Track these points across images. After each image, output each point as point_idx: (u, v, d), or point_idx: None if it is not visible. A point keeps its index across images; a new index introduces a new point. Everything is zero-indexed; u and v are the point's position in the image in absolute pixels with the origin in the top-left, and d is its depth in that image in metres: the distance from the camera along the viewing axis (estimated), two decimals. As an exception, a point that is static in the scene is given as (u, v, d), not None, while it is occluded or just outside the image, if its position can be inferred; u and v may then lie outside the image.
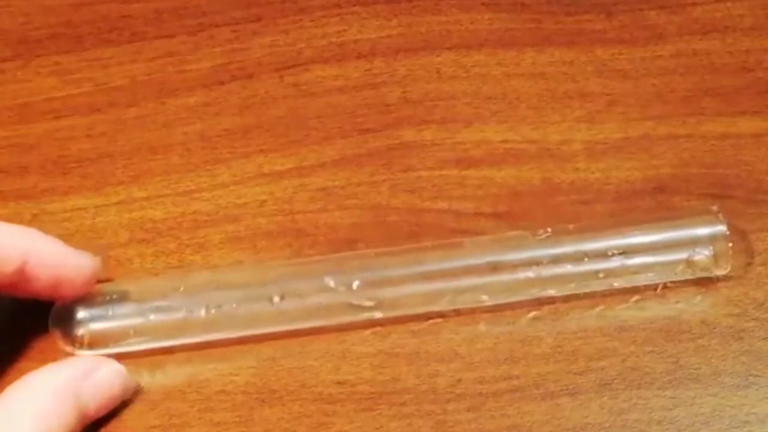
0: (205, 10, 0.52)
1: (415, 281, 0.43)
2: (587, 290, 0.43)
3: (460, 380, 0.42)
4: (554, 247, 0.43)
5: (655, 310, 0.43)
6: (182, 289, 0.42)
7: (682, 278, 0.43)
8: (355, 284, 0.42)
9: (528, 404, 0.41)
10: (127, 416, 0.42)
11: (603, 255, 0.43)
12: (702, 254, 0.42)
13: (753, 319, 0.43)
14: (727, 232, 0.42)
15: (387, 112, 0.49)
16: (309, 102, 0.50)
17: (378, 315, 0.43)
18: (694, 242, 0.43)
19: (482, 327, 0.43)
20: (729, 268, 0.43)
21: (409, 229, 0.46)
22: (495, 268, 0.43)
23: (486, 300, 0.43)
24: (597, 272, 0.43)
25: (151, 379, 0.42)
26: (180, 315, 0.42)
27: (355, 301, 0.42)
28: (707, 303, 0.43)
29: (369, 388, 0.42)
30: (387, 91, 0.50)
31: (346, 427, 0.41)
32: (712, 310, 0.43)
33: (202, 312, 0.42)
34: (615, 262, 0.42)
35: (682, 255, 0.43)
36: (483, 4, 0.51)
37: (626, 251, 0.42)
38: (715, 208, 0.43)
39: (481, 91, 0.49)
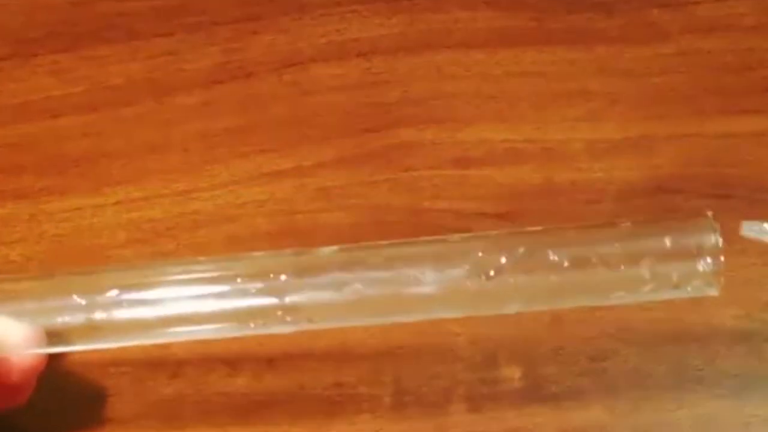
0: (204, 9, 0.52)
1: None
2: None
3: (460, 381, 0.42)
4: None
5: (659, 311, 0.43)
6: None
7: (669, 297, 0.38)
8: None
9: (529, 405, 0.41)
10: (128, 416, 0.42)
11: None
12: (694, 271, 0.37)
13: (757, 320, 0.42)
14: (721, 245, 0.36)
15: (387, 111, 0.49)
16: (309, 101, 0.49)
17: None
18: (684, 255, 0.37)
19: (483, 327, 0.43)
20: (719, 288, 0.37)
21: (409, 229, 0.46)
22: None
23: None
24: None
25: (151, 380, 0.42)
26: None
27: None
28: (713, 304, 0.43)
29: (369, 389, 0.42)
30: (387, 90, 0.49)
31: (345, 428, 0.41)
32: (717, 311, 0.43)
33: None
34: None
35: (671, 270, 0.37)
36: (484, 2, 0.51)
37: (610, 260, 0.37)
38: (710, 215, 0.37)
39: (482, 90, 0.49)
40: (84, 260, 0.46)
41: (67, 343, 0.39)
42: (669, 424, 0.40)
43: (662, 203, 0.46)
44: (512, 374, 0.42)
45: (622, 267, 0.37)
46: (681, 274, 0.36)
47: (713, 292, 0.37)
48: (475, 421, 0.41)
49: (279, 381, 0.42)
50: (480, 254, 0.37)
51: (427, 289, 0.37)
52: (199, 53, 0.51)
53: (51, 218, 0.47)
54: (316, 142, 0.48)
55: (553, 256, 0.37)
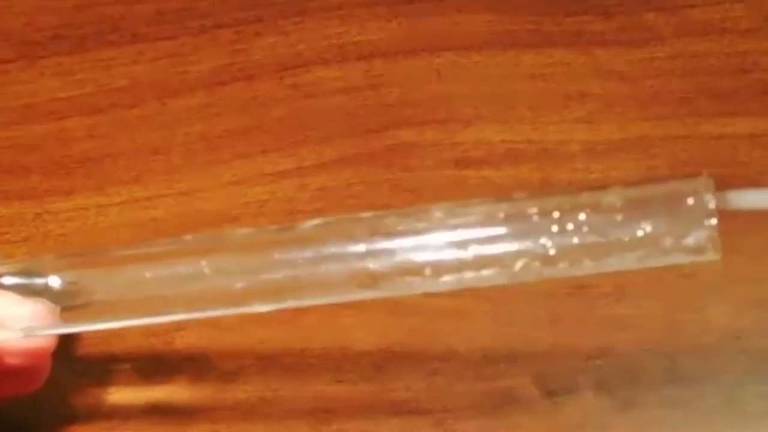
0: (207, 12, 0.52)
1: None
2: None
3: (459, 379, 0.42)
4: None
5: (652, 309, 0.43)
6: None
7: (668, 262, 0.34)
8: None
9: (527, 403, 0.41)
10: (129, 415, 0.42)
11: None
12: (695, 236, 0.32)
13: (750, 318, 0.43)
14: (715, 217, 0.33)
15: (387, 112, 0.49)
16: (309, 103, 0.50)
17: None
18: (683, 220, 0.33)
19: (482, 325, 0.43)
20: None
21: (409, 229, 0.46)
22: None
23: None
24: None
25: (152, 379, 0.43)
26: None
27: None
28: (706, 302, 0.43)
29: (369, 388, 0.42)
30: (387, 91, 0.50)
31: (345, 426, 0.41)
32: (708, 309, 0.43)
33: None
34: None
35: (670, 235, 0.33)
36: (482, 5, 0.52)
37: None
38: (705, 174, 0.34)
39: (481, 91, 0.49)
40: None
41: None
42: (664, 422, 0.41)
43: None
44: (509, 371, 0.42)
45: (611, 232, 0.33)
46: (675, 238, 0.32)
47: (712, 255, 0.33)
48: (473, 418, 0.41)
49: (280, 378, 0.42)
50: (468, 219, 0.35)
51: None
52: (202, 55, 0.51)
53: (56, 218, 0.47)
54: (317, 143, 0.49)
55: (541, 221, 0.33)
